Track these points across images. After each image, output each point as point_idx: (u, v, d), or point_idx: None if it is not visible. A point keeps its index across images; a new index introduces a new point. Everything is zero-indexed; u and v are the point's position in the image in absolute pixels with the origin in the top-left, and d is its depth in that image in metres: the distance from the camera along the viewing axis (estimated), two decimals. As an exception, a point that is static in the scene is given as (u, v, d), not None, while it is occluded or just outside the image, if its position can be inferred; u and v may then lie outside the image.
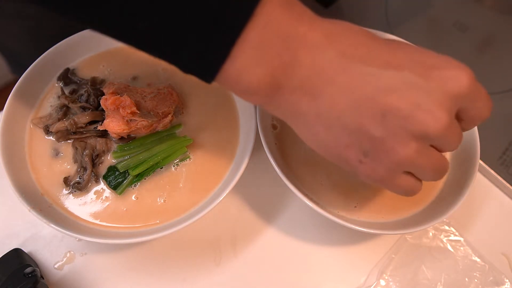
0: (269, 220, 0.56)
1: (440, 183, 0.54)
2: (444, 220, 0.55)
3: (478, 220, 0.58)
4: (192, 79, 0.58)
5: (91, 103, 0.53)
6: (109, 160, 0.52)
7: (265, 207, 0.56)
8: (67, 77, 0.56)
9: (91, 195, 0.50)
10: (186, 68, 0.33)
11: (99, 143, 0.52)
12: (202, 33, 0.30)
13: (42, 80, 0.55)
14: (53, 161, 0.52)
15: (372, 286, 0.52)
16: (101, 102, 0.51)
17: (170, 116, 0.53)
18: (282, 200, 0.57)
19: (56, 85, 0.56)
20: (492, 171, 0.60)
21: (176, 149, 0.52)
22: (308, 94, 0.33)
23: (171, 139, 0.52)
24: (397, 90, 0.31)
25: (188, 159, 0.53)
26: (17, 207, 0.49)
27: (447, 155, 0.57)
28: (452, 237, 0.55)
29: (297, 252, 0.54)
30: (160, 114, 0.52)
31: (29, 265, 0.47)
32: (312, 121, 0.34)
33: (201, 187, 0.51)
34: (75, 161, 0.52)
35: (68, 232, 0.45)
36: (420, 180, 0.37)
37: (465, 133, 0.55)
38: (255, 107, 0.52)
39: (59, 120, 0.53)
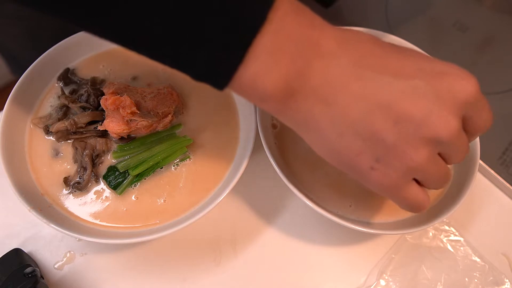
0: (269, 220, 0.56)
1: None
2: (444, 220, 0.55)
3: (478, 220, 0.58)
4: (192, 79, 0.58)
5: (91, 103, 0.53)
6: (109, 160, 0.52)
7: (265, 207, 0.56)
8: (67, 77, 0.56)
9: (91, 195, 0.50)
10: (199, 76, 0.33)
11: (99, 143, 0.52)
12: (215, 39, 0.30)
13: (42, 80, 0.55)
14: (53, 161, 0.52)
15: (372, 286, 0.52)
16: (101, 102, 0.51)
17: (170, 116, 0.53)
18: (282, 200, 0.57)
19: (56, 85, 0.56)
20: (492, 171, 0.60)
21: (176, 149, 0.52)
22: (321, 101, 0.33)
23: (171, 139, 0.52)
24: (409, 97, 0.32)
25: (188, 159, 0.53)
26: (17, 207, 0.49)
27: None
28: (452, 237, 0.55)
29: (297, 252, 0.54)
30: (160, 114, 0.52)
31: (29, 265, 0.47)
32: (325, 129, 0.34)
33: (201, 187, 0.51)
34: (75, 161, 0.52)
35: (68, 232, 0.45)
36: (427, 195, 0.38)
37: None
38: (255, 107, 0.52)
39: (59, 120, 0.53)
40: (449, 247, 0.55)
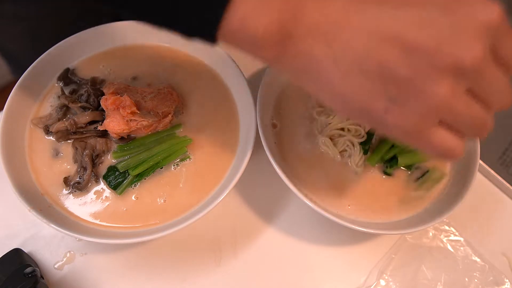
0: (269, 219, 0.56)
1: (441, 183, 0.54)
2: (444, 220, 0.55)
3: (478, 220, 0.58)
4: (192, 79, 0.58)
5: (91, 103, 0.53)
6: (109, 160, 0.52)
7: (265, 206, 0.56)
8: (67, 77, 0.56)
9: (91, 195, 0.50)
10: (188, 29, 0.32)
11: (99, 143, 0.52)
12: None
13: (42, 80, 0.55)
14: (53, 161, 0.52)
15: (372, 286, 0.52)
16: (101, 102, 0.51)
17: (170, 116, 0.53)
18: (282, 200, 0.57)
19: (56, 85, 0.56)
20: (492, 171, 0.60)
21: (176, 149, 0.52)
22: (320, 40, 0.30)
23: (171, 139, 0.52)
24: (419, 26, 0.28)
25: (188, 159, 0.53)
26: (17, 207, 0.49)
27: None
28: (452, 237, 0.55)
29: (297, 252, 0.54)
30: (160, 114, 0.52)
31: (29, 265, 0.47)
32: (328, 71, 0.31)
33: (201, 187, 0.51)
34: (75, 161, 0.52)
35: (68, 232, 0.45)
36: (460, 139, 0.32)
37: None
38: (255, 107, 0.52)
39: (59, 120, 0.53)
40: (449, 247, 0.55)
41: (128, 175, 0.50)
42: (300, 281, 0.53)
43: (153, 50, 0.59)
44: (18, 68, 0.87)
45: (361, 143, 0.54)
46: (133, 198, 0.50)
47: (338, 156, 0.54)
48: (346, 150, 0.55)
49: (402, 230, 0.50)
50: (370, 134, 0.54)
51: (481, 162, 0.59)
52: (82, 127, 0.52)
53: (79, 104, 0.53)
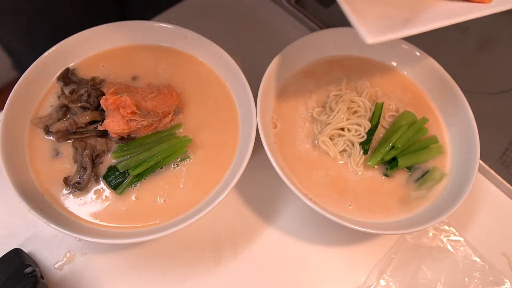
0: (269, 219, 0.56)
1: (441, 183, 0.54)
2: (444, 220, 0.55)
3: (478, 220, 0.58)
4: (192, 79, 0.58)
5: (91, 103, 0.53)
6: (109, 160, 0.52)
7: (265, 206, 0.56)
8: (67, 77, 0.56)
9: (91, 195, 0.50)
10: None
11: (99, 143, 0.52)
12: None
13: (42, 80, 0.55)
14: (53, 161, 0.52)
15: (372, 286, 0.52)
16: (101, 102, 0.51)
17: (170, 116, 0.53)
18: (282, 199, 0.57)
19: (56, 85, 0.56)
20: (492, 171, 0.60)
21: (176, 149, 0.52)
22: None
23: (171, 139, 0.52)
24: None
25: (188, 159, 0.53)
26: (17, 207, 0.49)
27: (447, 156, 0.57)
28: (452, 237, 0.55)
29: (297, 252, 0.54)
30: (160, 114, 0.52)
31: (29, 265, 0.47)
32: None
33: (201, 187, 0.51)
34: (75, 161, 0.52)
35: (68, 232, 0.45)
36: None
37: (465, 133, 0.56)
38: (255, 107, 0.52)
39: (59, 120, 0.53)
40: (449, 247, 0.55)
41: (128, 175, 0.50)
42: (300, 281, 0.53)
43: (153, 50, 0.59)
44: (19, 64, 0.88)
45: (361, 143, 0.54)
46: (133, 198, 0.50)
47: (338, 156, 0.54)
48: (346, 150, 0.55)
49: (402, 230, 0.50)
50: (370, 134, 0.54)
51: (481, 162, 0.59)
52: (82, 127, 0.52)
53: (79, 104, 0.53)
